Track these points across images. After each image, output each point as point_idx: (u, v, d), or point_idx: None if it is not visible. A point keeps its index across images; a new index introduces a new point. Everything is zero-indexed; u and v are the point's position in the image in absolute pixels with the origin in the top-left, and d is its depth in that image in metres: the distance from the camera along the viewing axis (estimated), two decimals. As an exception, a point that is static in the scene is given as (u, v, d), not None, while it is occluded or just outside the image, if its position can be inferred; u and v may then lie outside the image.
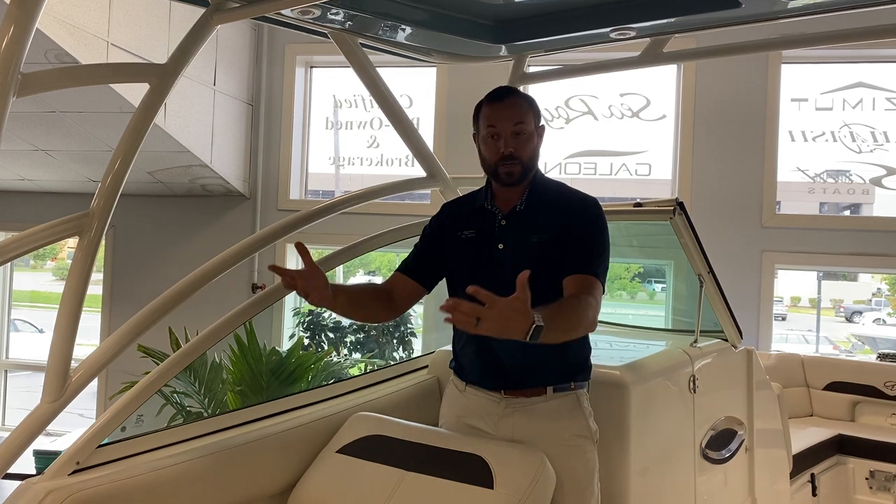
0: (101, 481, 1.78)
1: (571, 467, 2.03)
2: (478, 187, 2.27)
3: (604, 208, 2.80)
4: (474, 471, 1.76)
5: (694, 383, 2.70)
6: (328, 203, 2.44)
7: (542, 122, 2.16)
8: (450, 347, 2.79)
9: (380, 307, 2.19)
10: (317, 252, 6.80)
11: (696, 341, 2.85)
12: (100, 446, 1.87)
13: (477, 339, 2.12)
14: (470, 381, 2.17)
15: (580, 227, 2.05)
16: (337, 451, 2.01)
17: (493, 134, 2.08)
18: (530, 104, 2.12)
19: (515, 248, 2.07)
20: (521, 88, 3.02)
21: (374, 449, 1.97)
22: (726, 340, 3.07)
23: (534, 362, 2.05)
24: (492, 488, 1.69)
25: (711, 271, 2.81)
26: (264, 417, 2.24)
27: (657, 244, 4.02)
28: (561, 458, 2.02)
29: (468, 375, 2.18)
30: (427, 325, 6.72)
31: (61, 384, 1.76)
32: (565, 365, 2.12)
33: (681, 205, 2.56)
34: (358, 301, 2.15)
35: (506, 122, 2.06)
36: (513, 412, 2.08)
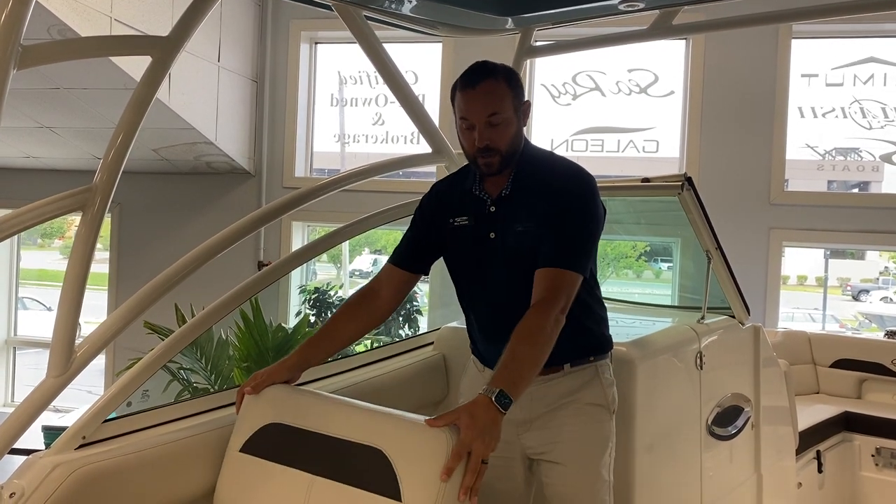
0: (107, 455, 1.79)
1: (583, 434, 2.02)
2: None
3: (611, 184, 2.80)
4: (378, 472, 1.59)
5: (701, 360, 2.69)
6: (333, 178, 2.42)
7: (525, 97, 2.02)
8: (455, 324, 2.79)
9: (364, 320, 2.11)
10: (321, 230, 6.78)
11: (703, 318, 2.83)
12: (106, 421, 1.87)
13: (486, 330, 2.12)
14: (487, 365, 2.14)
15: (562, 211, 1.94)
16: (240, 451, 1.84)
17: (468, 125, 1.95)
18: (509, 83, 1.95)
19: (505, 236, 2.01)
20: (527, 63, 2.98)
21: (275, 443, 1.79)
22: (733, 317, 3.06)
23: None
24: (399, 501, 1.55)
25: (719, 247, 2.79)
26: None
27: (664, 221, 4.00)
28: (572, 425, 2.02)
29: (486, 361, 2.15)
30: (433, 303, 6.73)
31: (66, 359, 1.76)
32: (581, 344, 2.09)
33: (689, 180, 2.54)
34: (336, 337, 2.07)
35: (478, 112, 1.92)
36: (532, 390, 2.00)
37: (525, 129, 2.05)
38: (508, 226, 2.00)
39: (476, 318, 2.15)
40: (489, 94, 1.92)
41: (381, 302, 2.12)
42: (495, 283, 2.06)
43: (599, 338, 2.13)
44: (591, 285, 2.11)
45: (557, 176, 2.01)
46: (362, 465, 1.63)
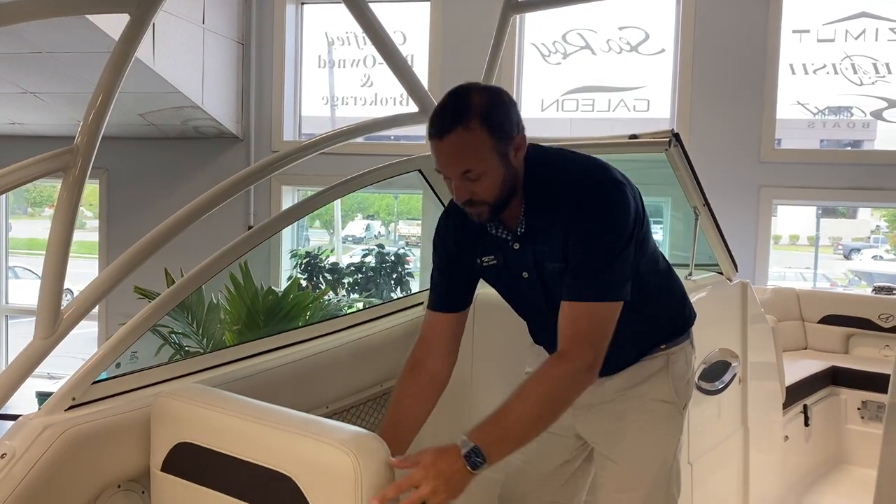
0: (97, 416, 1.80)
1: (644, 433, 1.88)
2: None
3: (599, 142, 2.79)
4: (291, 501, 1.49)
5: (688, 316, 2.71)
6: (321, 137, 2.39)
7: (517, 128, 1.67)
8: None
9: (425, 389, 1.85)
10: (305, 192, 6.74)
11: (690, 274, 2.84)
12: (95, 382, 1.87)
13: (547, 341, 1.92)
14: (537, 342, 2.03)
15: (576, 233, 1.68)
16: (161, 470, 1.76)
17: (445, 176, 1.66)
18: (487, 124, 1.59)
19: (539, 276, 1.78)
20: (516, 21, 2.93)
21: (190, 463, 1.71)
22: (721, 274, 3.07)
23: (617, 351, 1.74)
24: None
25: (707, 204, 2.79)
26: (257, 354, 2.25)
27: (654, 180, 3.99)
28: (634, 422, 1.87)
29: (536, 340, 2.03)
30: (424, 265, 6.74)
31: (53, 321, 1.76)
32: (653, 335, 1.91)
33: (676, 136, 2.52)
34: (413, 417, 1.83)
35: (450, 168, 1.63)
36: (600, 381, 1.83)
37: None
38: (538, 263, 1.77)
39: (530, 326, 2.02)
40: (459, 148, 1.59)
41: (435, 354, 1.86)
42: (544, 318, 1.86)
43: (673, 322, 1.91)
44: (659, 269, 1.90)
45: (566, 193, 1.70)
46: (275, 492, 1.52)
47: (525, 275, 1.80)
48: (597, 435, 1.97)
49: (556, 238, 1.72)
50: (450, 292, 1.89)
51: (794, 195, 6.05)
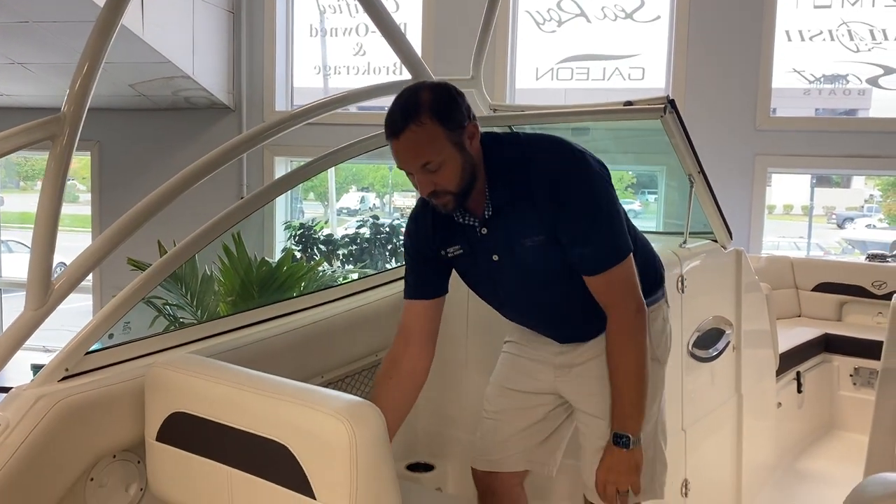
0: (91, 387, 1.79)
1: None
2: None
3: (594, 109, 2.76)
4: (287, 468, 1.50)
5: (682, 283, 2.71)
6: (313, 104, 2.36)
7: (468, 117, 1.73)
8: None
9: (405, 381, 1.91)
10: (298, 163, 6.72)
11: (685, 242, 2.84)
12: (89, 353, 1.87)
13: (521, 321, 2.04)
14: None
15: (569, 215, 1.75)
16: (156, 440, 1.76)
17: (406, 171, 1.74)
18: (438, 117, 1.66)
19: (511, 255, 1.83)
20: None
21: (186, 433, 1.71)
22: (716, 241, 3.07)
23: (592, 321, 1.89)
24: (314, 499, 1.46)
25: (702, 171, 2.77)
26: (252, 324, 2.24)
27: (649, 149, 3.98)
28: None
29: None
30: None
31: (44, 291, 1.74)
32: None
33: (672, 103, 2.50)
34: (398, 404, 1.88)
35: (409, 164, 1.70)
36: (578, 345, 1.99)
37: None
38: (512, 244, 1.82)
39: (505, 316, 2.07)
40: (414, 143, 1.67)
41: (414, 348, 1.91)
42: (516, 300, 1.96)
43: (644, 280, 1.92)
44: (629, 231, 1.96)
45: (537, 173, 1.77)
46: (271, 460, 1.53)
47: (495, 258, 1.85)
48: (579, 394, 2.00)
49: (531, 215, 1.77)
50: (423, 282, 1.95)
51: (790, 163, 6.04)
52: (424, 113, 1.67)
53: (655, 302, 1.99)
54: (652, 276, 1.98)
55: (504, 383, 2.11)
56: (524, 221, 1.79)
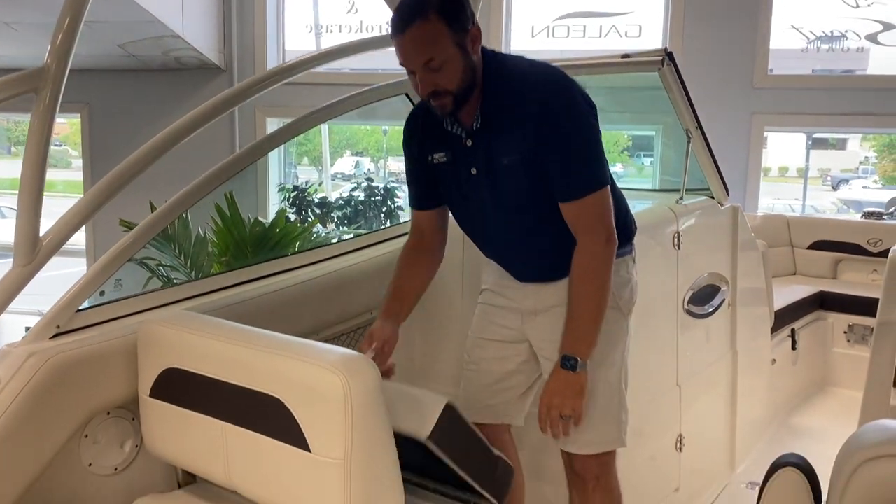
0: (82, 344, 1.77)
1: None
2: None
3: (591, 62, 2.72)
4: (281, 421, 1.49)
5: (678, 240, 2.69)
6: (303, 58, 2.31)
7: (472, 21, 1.78)
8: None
9: (423, 263, 2.04)
10: (283, 120, 6.65)
11: (681, 198, 2.82)
12: (80, 311, 1.85)
13: (493, 252, 2.06)
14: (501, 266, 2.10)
15: (551, 135, 1.78)
16: (150, 396, 1.75)
17: (408, 70, 1.78)
18: (445, 17, 1.71)
19: (488, 171, 1.86)
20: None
21: (179, 388, 1.71)
22: (713, 198, 3.05)
23: (560, 258, 1.90)
24: (309, 451, 1.46)
25: (700, 126, 2.74)
26: (245, 282, 2.22)
27: (645, 108, 3.94)
28: None
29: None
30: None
31: (31, 248, 1.71)
32: None
33: (670, 55, 2.46)
34: (413, 288, 2.02)
35: (413, 60, 1.74)
36: (543, 287, 2.00)
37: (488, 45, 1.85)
38: (491, 160, 1.85)
39: (479, 247, 2.09)
40: (419, 39, 1.72)
41: (428, 240, 2.04)
42: (489, 223, 1.97)
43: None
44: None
45: (531, 91, 1.80)
46: (265, 414, 1.52)
47: (473, 171, 1.88)
48: (543, 340, 2.01)
49: (516, 132, 1.81)
50: (425, 192, 2.03)
51: (787, 122, 6.00)
52: (431, 10, 1.71)
53: (621, 256, 1.99)
54: (621, 231, 1.96)
55: (479, 334, 2.14)
56: (508, 138, 1.82)
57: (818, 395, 4.07)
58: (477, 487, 1.78)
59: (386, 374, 1.88)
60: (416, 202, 2.06)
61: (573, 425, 1.87)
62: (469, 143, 1.87)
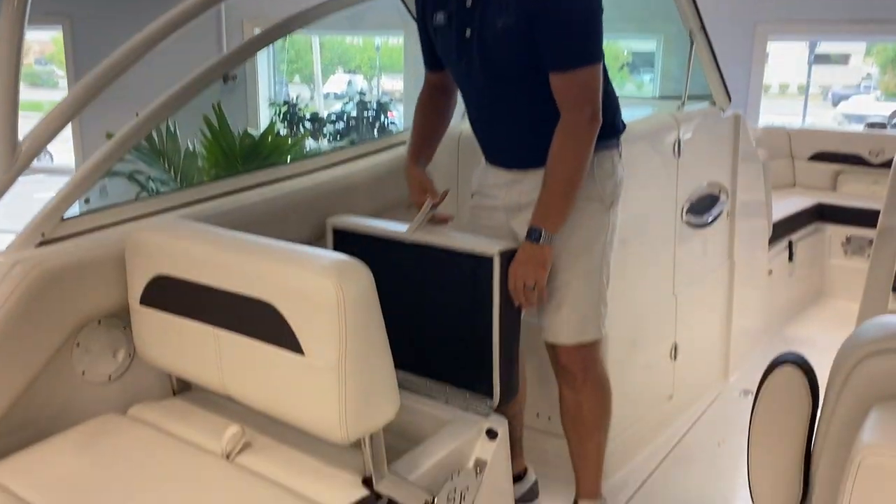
0: (70, 252, 1.74)
1: (572, 232, 1.96)
2: None
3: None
4: (273, 326, 1.48)
5: (678, 147, 2.63)
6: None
7: None
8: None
9: (444, 104, 2.14)
10: (288, 42, 6.47)
11: (683, 104, 2.74)
12: (66, 219, 1.80)
13: (480, 127, 2.08)
14: (488, 160, 2.12)
15: (551, 4, 1.77)
16: (140, 304, 1.73)
17: None
18: None
19: (481, 34, 1.85)
20: None
21: (169, 295, 1.68)
22: (715, 105, 2.97)
23: (541, 142, 1.88)
24: (302, 354, 1.45)
25: (703, 28, 2.64)
26: (236, 191, 2.17)
27: (648, 15, 3.81)
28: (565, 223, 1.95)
29: (486, 155, 2.12)
30: (407, 101, 6.55)
31: (10, 153, 1.65)
32: None
33: (674, -50, 2.34)
34: (436, 129, 2.14)
35: None
36: (522, 179, 2.01)
37: None
38: (485, 21, 1.83)
39: (471, 120, 2.11)
40: None
41: (440, 90, 2.12)
42: (478, 92, 1.98)
43: (602, 125, 1.95)
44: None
45: None
46: (258, 320, 1.51)
47: (468, 33, 1.88)
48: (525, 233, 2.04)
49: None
50: (433, 55, 2.07)
51: (790, 29, 5.83)
52: None
53: (607, 149, 1.98)
54: (609, 124, 1.95)
55: None
56: (507, 3, 1.81)
57: (814, 306, 4.09)
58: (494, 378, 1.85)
59: (445, 220, 1.98)
60: (429, 62, 2.12)
61: (539, 298, 1.87)
62: (469, 3, 1.87)
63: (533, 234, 1.85)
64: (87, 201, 1.92)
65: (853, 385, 1.18)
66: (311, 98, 7.23)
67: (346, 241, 2.14)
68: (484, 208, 2.12)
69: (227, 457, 1.62)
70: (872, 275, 2.05)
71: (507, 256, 1.84)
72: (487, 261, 1.84)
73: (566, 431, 2.14)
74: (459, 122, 2.38)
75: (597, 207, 1.98)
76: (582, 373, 2.06)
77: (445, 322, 1.96)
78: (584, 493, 2.17)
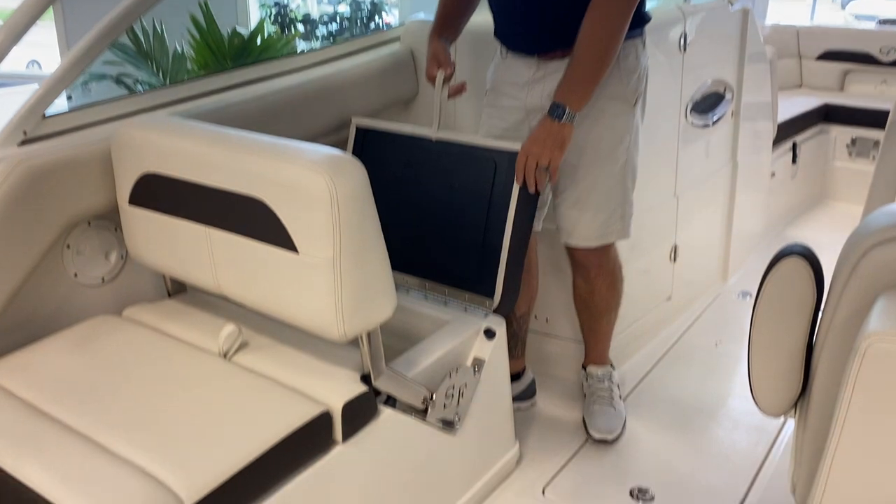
0: (54, 150, 1.68)
1: (596, 133, 1.90)
2: None
3: None
4: (266, 223, 1.44)
5: (684, 41, 2.53)
6: None
7: None
8: (422, 16, 2.57)
9: None
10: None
11: (690, -4, 2.62)
12: (49, 116, 1.74)
13: (508, 6, 1.95)
14: (508, 46, 2.00)
15: None
16: (129, 204, 1.69)
17: None
18: None
19: None
20: None
21: (158, 194, 1.64)
22: (723, -3, 2.84)
23: (568, 21, 1.78)
24: (296, 251, 1.42)
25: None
26: (226, 88, 2.10)
27: None
28: (586, 124, 1.87)
29: (506, 41, 2.00)
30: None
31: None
32: None
33: None
34: (461, 10, 2.05)
35: None
36: (544, 76, 1.91)
37: None
38: None
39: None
40: None
41: None
42: None
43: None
44: None
45: None
46: (249, 217, 1.47)
47: None
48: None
49: None
50: None
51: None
52: None
53: (631, 38, 1.88)
54: (636, 11, 1.83)
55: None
56: None
57: (816, 208, 4.05)
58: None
59: (459, 90, 1.90)
60: None
61: (549, 180, 1.80)
62: None
63: (556, 111, 1.74)
64: (69, 98, 1.85)
65: (861, 274, 1.15)
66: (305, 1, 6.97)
67: (368, 139, 2.12)
68: (499, 108, 2.03)
69: (225, 356, 1.61)
70: (880, 168, 2.00)
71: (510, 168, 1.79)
72: (513, 155, 1.79)
73: (578, 313, 2.19)
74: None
75: (620, 108, 1.91)
76: (597, 268, 2.07)
77: (457, 222, 1.92)
78: (594, 359, 2.24)
